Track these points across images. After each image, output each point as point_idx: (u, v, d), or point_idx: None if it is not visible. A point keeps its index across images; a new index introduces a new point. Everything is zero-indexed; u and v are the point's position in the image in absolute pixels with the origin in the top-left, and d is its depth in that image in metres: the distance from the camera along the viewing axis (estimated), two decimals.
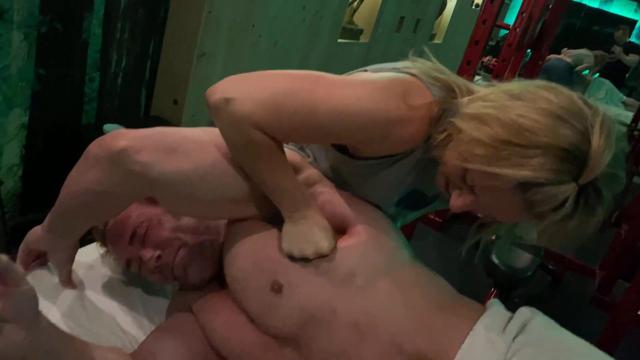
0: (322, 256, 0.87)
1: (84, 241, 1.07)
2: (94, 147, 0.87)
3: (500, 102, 0.77)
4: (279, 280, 0.86)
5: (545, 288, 3.08)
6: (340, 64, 3.63)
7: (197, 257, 1.01)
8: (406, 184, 0.96)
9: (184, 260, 1.00)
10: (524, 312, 0.85)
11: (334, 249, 0.88)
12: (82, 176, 0.88)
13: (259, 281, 0.88)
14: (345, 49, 3.70)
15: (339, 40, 3.58)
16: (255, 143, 0.82)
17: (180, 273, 1.01)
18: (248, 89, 0.81)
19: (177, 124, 2.40)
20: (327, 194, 0.96)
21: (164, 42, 2.44)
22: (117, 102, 2.37)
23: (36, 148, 2.11)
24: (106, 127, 2.16)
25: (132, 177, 0.84)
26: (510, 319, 0.84)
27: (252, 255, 0.91)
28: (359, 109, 0.81)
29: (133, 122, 2.34)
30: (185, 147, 0.86)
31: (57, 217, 0.97)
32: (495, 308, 0.86)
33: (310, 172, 0.98)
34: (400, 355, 0.80)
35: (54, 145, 2.17)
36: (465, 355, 0.77)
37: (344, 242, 0.90)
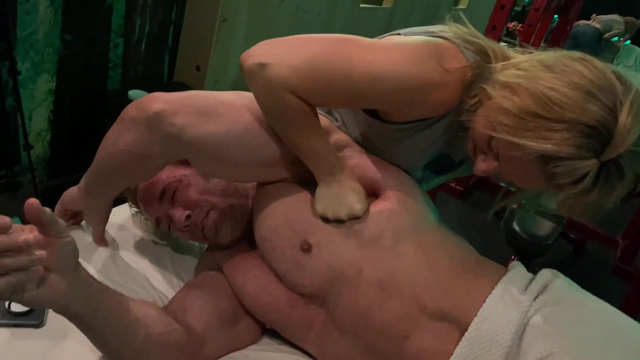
0: (355, 218, 0.89)
1: (116, 201, 1.10)
2: (131, 109, 0.89)
3: (533, 73, 0.76)
4: (308, 240, 0.89)
5: (567, 256, 3.08)
6: (362, 29, 3.59)
7: (227, 218, 1.04)
8: (436, 148, 0.97)
9: (215, 222, 1.03)
10: (546, 273, 0.87)
11: (366, 211, 0.90)
12: (119, 138, 0.90)
13: (289, 241, 0.90)
14: (368, 14, 3.65)
15: (362, 5, 3.53)
16: (290, 107, 0.82)
17: (211, 234, 1.04)
18: (283, 54, 0.81)
19: (199, 89, 2.41)
20: (356, 157, 0.97)
21: (186, 7, 2.44)
22: (141, 68, 2.39)
23: (63, 114, 2.15)
24: (131, 93, 2.18)
25: (167, 140, 0.86)
26: (531, 280, 0.86)
27: (282, 215, 0.93)
28: (394, 73, 0.81)
29: (157, 88, 2.36)
30: (219, 111, 0.87)
31: (93, 177, 0.99)
32: (517, 269, 0.88)
33: (339, 136, 0.99)
34: (422, 313, 0.82)
35: (81, 111, 2.21)
36: (487, 313, 0.79)
37: (374, 206, 0.92)
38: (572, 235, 3.10)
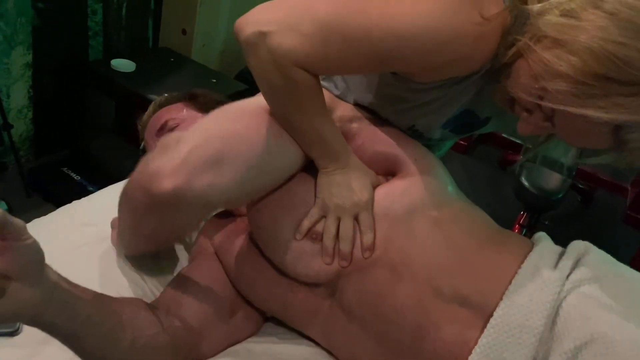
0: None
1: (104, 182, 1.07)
2: (138, 195, 0.75)
3: (585, 19, 0.61)
4: (316, 228, 0.80)
5: (576, 207, 3.00)
6: None
7: None
8: (461, 104, 0.84)
9: None
10: (577, 246, 0.77)
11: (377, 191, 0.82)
12: (139, 226, 0.82)
13: (292, 230, 0.81)
14: None
15: None
16: (296, 83, 0.71)
17: None
18: (287, 19, 0.69)
19: (186, 54, 2.29)
20: (365, 132, 0.86)
21: None
22: (123, 35, 2.25)
23: (44, 88, 2.03)
24: (114, 62, 2.06)
25: (194, 208, 0.77)
26: (561, 254, 0.77)
27: (283, 201, 0.83)
28: (423, 28, 0.66)
29: (142, 55, 2.24)
30: (229, 152, 0.75)
31: (125, 244, 0.95)
32: (544, 243, 0.78)
33: (343, 109, 0.87)
34: (438, 299, 0.74)
35: (63, 84, 2.09)
36: (514, 295, 0.71)
37: (386, 185, 0.83)
38: (580, 186, 3.02)
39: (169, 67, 2.16)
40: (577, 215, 2.95)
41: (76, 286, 0.67)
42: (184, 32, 2.32)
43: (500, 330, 0.69)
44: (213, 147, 0.74)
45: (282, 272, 0.85)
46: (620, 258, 0.78)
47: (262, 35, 0.68)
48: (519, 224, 2.28)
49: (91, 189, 1.90)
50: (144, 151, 1.09)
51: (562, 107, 0.64)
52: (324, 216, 0.81)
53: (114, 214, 1.08)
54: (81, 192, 1.64)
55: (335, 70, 0.77)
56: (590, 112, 0.62)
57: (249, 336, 0.90)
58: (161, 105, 1.12)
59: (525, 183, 2.14)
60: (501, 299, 0.71)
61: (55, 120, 2.12)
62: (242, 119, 0.79)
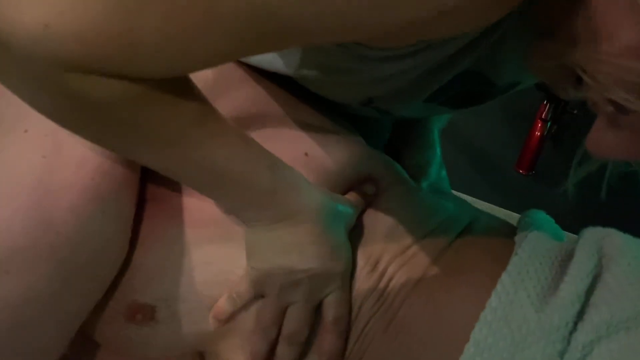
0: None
1: None
2: None
3: None
4: (145, 302, 0.47)
5: None
6: None
7: None
8: (458, 66, 0.43)
9: None
10: (591, 243, 0.42)
11: None
12: None
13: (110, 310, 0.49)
14: None
15: None
16: (95, 109, 0.32)
17: None
18: None
19: None
20: (273, 129, 0.50)
21: None
22: None
23: None
24: None
25: None
26: (562, 264, 0.42)
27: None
28: None
29: None
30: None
31: None
32: (532, 245, 0.42)
33: (233, 100, 0.49)
34: None
35: None
36: None
37: None
38: None
39: None
40: None
41: None
42: None
43: None
44: None
45: None
46: None
47: (44, 28, 0.28)
48: (541, 119, 1.92)
49: None
50: None
51: None
52: (261, 296, 0.47)
53: None
54: None
55: (169, 70, 0.33)
56: None
57: None
58: None
59: None
60: None
61: None
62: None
